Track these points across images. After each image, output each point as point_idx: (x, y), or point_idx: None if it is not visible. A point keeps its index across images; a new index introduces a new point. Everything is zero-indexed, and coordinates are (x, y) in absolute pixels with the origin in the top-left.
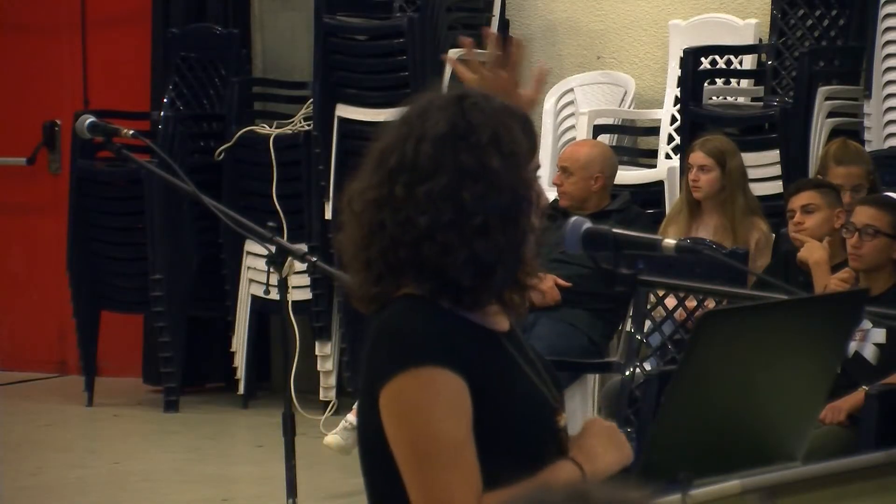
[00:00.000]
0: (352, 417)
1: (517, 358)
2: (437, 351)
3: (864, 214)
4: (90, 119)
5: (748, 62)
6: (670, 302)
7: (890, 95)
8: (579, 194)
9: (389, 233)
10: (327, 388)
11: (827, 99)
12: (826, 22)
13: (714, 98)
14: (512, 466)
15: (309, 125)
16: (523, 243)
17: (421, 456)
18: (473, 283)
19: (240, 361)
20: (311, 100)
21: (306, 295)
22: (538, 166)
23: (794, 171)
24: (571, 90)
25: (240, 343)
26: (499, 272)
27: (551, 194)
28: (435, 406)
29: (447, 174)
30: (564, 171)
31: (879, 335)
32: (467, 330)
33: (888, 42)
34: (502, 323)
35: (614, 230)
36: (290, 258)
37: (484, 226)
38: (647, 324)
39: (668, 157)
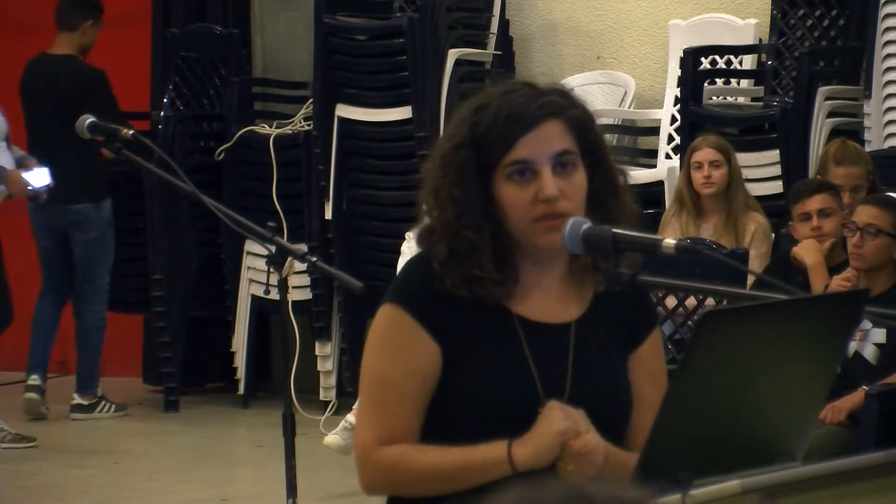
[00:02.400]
0: (352, 417)
1: (522, 342)
2: (408, 295)
3: (865, 214)
4: (90, 119)
5: (748, 62)
6: (670, 302)
7: (890, 95)
8: None
9: None
10: (327, 388)
11: (827, 99)
12: (826, 22)
13: (714, 98)
14: (466, 436)
15: (309, 125)
16: (443, 235)
17: (363, 382)
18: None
19: (240, 361)
20: (311, 100)
21: (306, 295)
22: (516, 160)
23: (794, 171)
24: (571, 90)
25: (240, 343)
26: (434, 256)
27: None
28: (382, 342)
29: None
30: None
31: (879, 335)
32: (468, 297)
33: (888, 42)
34: (553, 314)
35: (614, 230)
36: (290, 258)
37: (428, 211)
38: None
39: (668, 157)
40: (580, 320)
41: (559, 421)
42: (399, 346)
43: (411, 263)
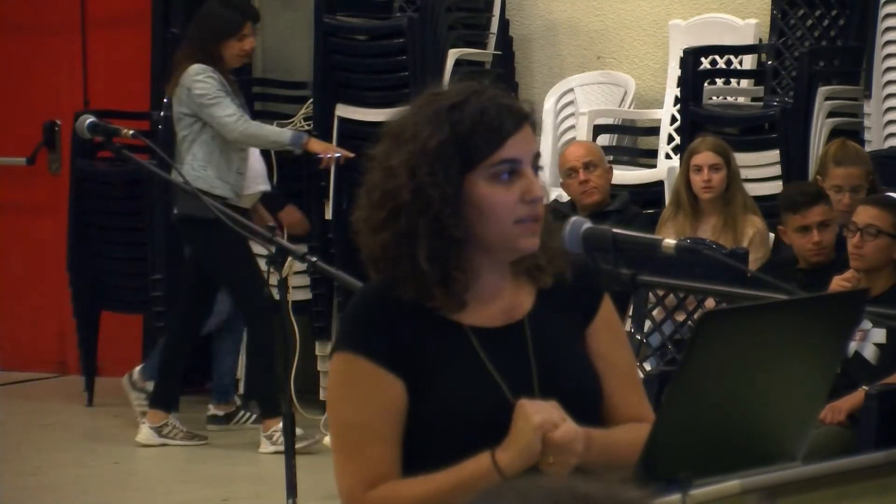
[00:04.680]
0: None
1: (479, 352)
2: (359, 340)
3: (865, 214)
4: (90, 119)
5: (748, 62)
6: (670, 302)
7: (890, 95)
8: (606, 185)
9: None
10: (327, 389)
11: (827, 99)
12: (826, 22)
13: (714, 98)
14: (447, 457)
15: (309, 125)
16: (422, 241)
17: (332, 434)
18: (385, 275)
19: (240, 361)
20: (311, 100)
21: (306, 295)
22: (505, 159)
23: (794, 171)
24: (571, 90)
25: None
26: (400, 267)
27: (551, 194)
28: (341, 390)
29: (376, 171)
30: (588, 166)
31: (879, 335)
32: (417, 322)
33: (888, 42)
34: (494, 318)
35: (614, 230)
36: (290, 258)
37: (383, 222)
38: (647, 324)
39: (668, 157)
40: (531, 314)
41: (533, 416)
42: (361, 390)
43: (350, 309)
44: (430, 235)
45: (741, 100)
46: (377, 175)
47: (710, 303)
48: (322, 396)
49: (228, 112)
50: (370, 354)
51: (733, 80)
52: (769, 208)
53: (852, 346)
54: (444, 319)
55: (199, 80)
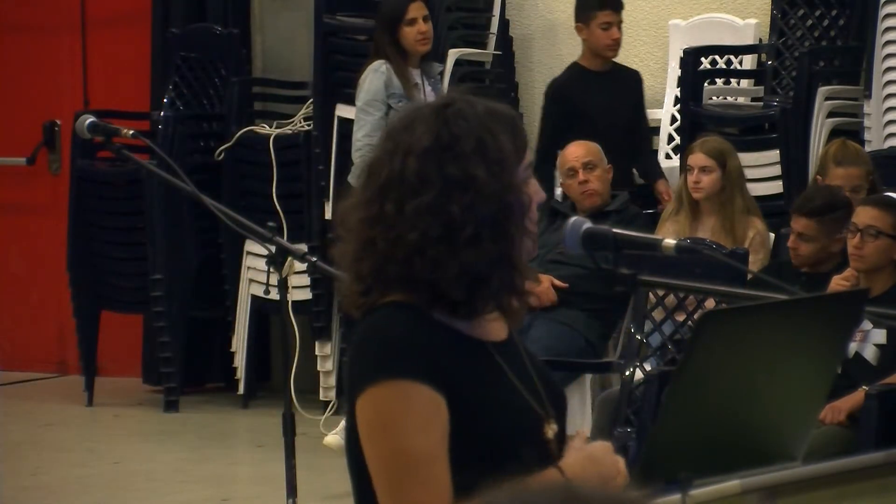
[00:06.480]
0: None
1: (505, 368)
2: (412, 364)
3: (865, 215)
4: (90, 119)
5: (748, 62)
6: (670, 302)
7: (890, 95)
8: (606, 186)
9: (381, 250)
10: (327, 388)
11: (827, 99)
12: (826, 22)
13: (714, 98)
14: (490, 476)
15: (309, 125)
16: (515, 249)
17: (390, 469)
18: (467, 294)
19: (240, 361)
20: (311, 100)
21: (306, 295)
22: (530, 163)
23: (794, 171)
24: None
25: (240, 343)
26: (493, 281)
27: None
28: (405, 420)
29: (434, 188)
30: (587, 166)
31: (879, 335)
32: (451, 341)
33: (888, 42)
34: (498, 332)
35: (614, 230)
36: (290, 258)
37: (474, 237)
38: (647, 324)
39: (668, 157)
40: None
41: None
42: (423, 416)
43: (385, 335)
44: (523, 247)
45: (741, 100)
46: (434, 195)
47: (710, 303)
48: (322, 396)
49: (361, 134)
50: (424, 377)
51: (733, 80)
52: (769, 208)
53: (852, 347)
54: (468, 337)
55: (366, 79)
